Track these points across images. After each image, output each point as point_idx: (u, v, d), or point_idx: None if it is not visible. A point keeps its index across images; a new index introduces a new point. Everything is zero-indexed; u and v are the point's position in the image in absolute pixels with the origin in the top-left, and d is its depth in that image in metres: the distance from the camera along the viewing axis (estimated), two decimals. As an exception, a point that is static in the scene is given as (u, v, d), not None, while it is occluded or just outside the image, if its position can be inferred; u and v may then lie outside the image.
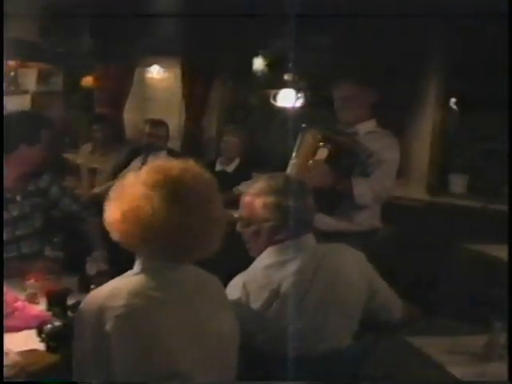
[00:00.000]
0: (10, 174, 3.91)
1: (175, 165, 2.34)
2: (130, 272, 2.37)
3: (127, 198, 2.27)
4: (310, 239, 3.06)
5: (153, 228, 2.22)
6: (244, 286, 2.93)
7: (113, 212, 2.29)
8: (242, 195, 3.15)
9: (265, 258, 3.02)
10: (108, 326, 2.16)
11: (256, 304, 2.88)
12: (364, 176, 4.40)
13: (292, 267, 2.94)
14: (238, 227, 3.11)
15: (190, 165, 2.38)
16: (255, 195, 3.03)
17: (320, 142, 4.39)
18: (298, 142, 4.54)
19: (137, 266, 2.36)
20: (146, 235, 2.25)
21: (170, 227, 2.23)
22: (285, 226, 2.98)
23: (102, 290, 2.28)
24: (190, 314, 2.31)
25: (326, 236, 3.28)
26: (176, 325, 2.25)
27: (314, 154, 4.38)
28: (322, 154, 4.35)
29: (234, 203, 3.29)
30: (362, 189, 4.36)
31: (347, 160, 4.39)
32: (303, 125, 4.66)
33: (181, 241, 2.28)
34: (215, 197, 2.40)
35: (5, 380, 2.46)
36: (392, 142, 4.58)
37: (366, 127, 4.60)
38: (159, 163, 2.38)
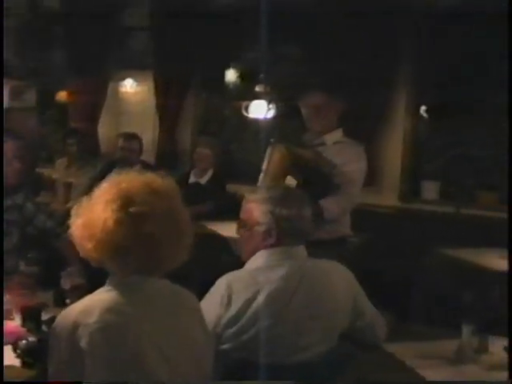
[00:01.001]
0: None
1: (131, 178, 2.35)
2: (102, 289, 2.37)
3: (87, 214, 2.29)
4: (301, 250, 3.10)
5: (114, 243, 2.24)
6: (228, 285, 2.96)
7: (76, 229, 2.32)
8: (244, 200, 3.22)
9: (255, 261, 3.07)
10: (82, 343, 2.18)
11: (237, 304, 2.91)
12: (328, 188, 4.41)
13: (279, 273, 2.98)
14: (236, 230, 3.20)
15: (149, 177, 2.38)
16: (253, 201, 3.13)
17: (287, 160, 4.39)
18: (266, 158, 4.57)
19: (108, 282, 2.37)
20: (108, 251, 2.26)
21: (131, 241, 2.24)
22: (276, 233, 3.03)
23: (75, 307, 2.29)
24: (163, 327, 2.32)
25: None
26: (149, 338, 2.26)
27: (283, 174, 4.39)
28: (291, 181, 4.35)
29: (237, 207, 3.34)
30: (329, 207, 4.38)
31: (316, 185, 4.34)
32: (271, 139, 4.67)
33: (146, 254, 2.29)
34: (178, 208, 2.40)
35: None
36: (358, 153, 4.60)
37: (333, 137, 4.62)
38: (116, 178, 2.37)
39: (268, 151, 4.57)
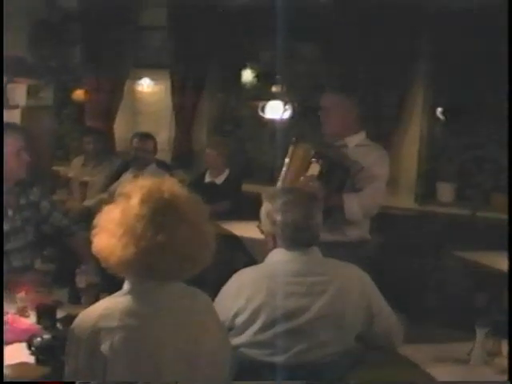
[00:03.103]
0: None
1: (153, 188, 2.34)
2: (119, 292, 2.39)
3: (111, 227, 2.28)
4: (315, 251, 3.14)
5: (140, 254, 2.23)
6: (243, 282, 3.06)
7: (99, 242, 2.32)
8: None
9: (270, 259, 3.15)
10: (104, 347, 2.21)
11: (252, 302, 2.97)
12: (354, 190, 4.38)
13: (294, 271, 3.03)
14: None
15: (168, 184, 2.38)
16: (264, 200, 3.22)
17: (312, 158, 4.34)
18: (289, 155, 4.52)
19: (126, 286, 2.38)
20: (133, 262, 2.26)
21: (155, 252, 2.24)
22: (286, 235, 3.08)
23: (95, 311, 2.31)
24: (180, 330, 2.34)
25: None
26: (168, 340, 2.29)
27: (306, 169, 4.35)
28: (314, 169, 4.30)
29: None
30: (352, 206, 4.34)
31: (338, 175, 4.35)
32: (294, 138, 4.59)
33: (167, 263, 2.28)
34: (199, 215, 2.40)
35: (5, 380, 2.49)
36: (382, 156, 4.54)
37: (355, 140, 4.56)
38: (135, 187, 2.37)
39: (290, 149, 4.51)
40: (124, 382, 2.25)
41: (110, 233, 2.28)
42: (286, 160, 4.51)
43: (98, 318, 2.25)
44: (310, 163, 4.33)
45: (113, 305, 2.31)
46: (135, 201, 2.30)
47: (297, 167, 4.43)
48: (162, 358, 2.27)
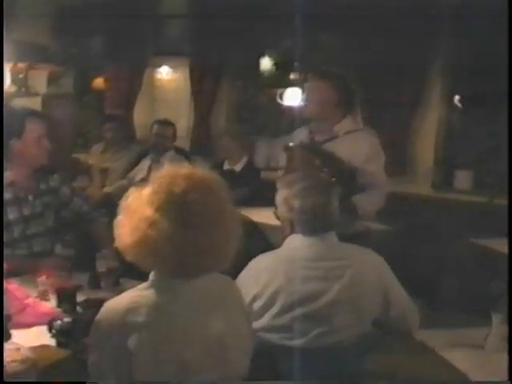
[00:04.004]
0: (19, 172, 3.96)
1: (179, 180, 2.26)
2: (144, 284, 2.36)
3: (135, 224, 2.23)
4: (332, 236, 3.17)
5: (164, 251, 2.20)
6: (262, 266, 3.11)
7: (123, 237, 2.27)
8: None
9: (288, 244, 3.19)
10: (130, 342, 2.21)
11: (270, 286, 3.03)
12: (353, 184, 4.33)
13: (311, 256, 3.07)
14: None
15: (195, 176, 2.31)
16: (281, 186, 3.25)
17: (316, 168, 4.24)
18: (285, 161, 4.47)
19: (151, 280, 2.35)
20: (157, 258, 2.24)
21: (181, 248, 2.20)
22: (304, 221, 3.12)
23: (120, 303, 2.28)
24: (208, 326, 2.32)
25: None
26: (195, 338, 2.29)
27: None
28: None
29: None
30: (364, 207, 4.33)
31: (347, 181, 4.23)
32: (290, 144, 4.52)
33: (193, 260, 2.25)
34: (226, 205, 2.33)
35: (5, 380, 2.50)
36: (373, 146, 4.43)
37: (344, 127, 4.47)
38: (161, 178, 2.30)
39: (286, 155, 4.46)
40: (151, 382, 2.26)
41: (131, 233, 2.25)
42: (283, 166, 4.48)
43: (124, 312, 2.23)
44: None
45: (139, 298, 2.28)
46: (148, 190, 2.27)
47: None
48: (188, 354, 2.26)
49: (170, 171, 2.33)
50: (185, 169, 2.34)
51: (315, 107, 4.48)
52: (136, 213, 2.24)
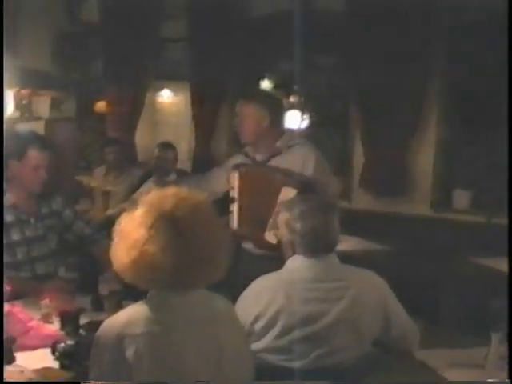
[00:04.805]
0: (19, 195, 3.99)
1: (167, 199, 2.38)
2: (140, 302, 2.43)
3: (131, 244, 2.31)
4: (333, 257, 3.18)
5: (161, 263, 2.28)
6: (263, 287, 3.11)
7: (120, 259, 2.36)
8: None
9: (289, 265, 3.18)
10: (128, 352, 2.27)
11: (271, 307, 3.02)
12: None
13: (312, 278, 3.08)
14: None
15: (182, 194, 2.43)
16: (282, 209, 3.28)
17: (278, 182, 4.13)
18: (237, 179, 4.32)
19: (150, 296, 2.42)
20: (154, 273, 2.30)
21: (176, 263, 2.28)
22: (305, 243, 3.12)
23: (119, 318, 2.37)
24: (203, 338, 2.38)
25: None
26: (191, 349, 2.34)
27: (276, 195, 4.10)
28: (288, 193, 4.03)
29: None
30: None
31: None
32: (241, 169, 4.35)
33: (189, 272, 2.33)
34: (212, 218, 2.46)
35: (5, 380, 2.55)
36: (318, 155, 4.31)
37: (285, 142, 4.34)
38: (151, 200, 2.42)
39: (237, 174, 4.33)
40: (151, 383, 2.30)
41: (127, 253, 2.33)
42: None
43: (122, 325, 2.31)
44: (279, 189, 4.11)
45: (136, 313, 2.36)
46: (140, 211, 2.37)
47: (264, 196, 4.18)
48: (185, 363, 2.32)
49: (158, 192, 2.45)
50: (171, 189, 2.45)
51: (250, 132, 4.34)
52: (131, 234, 2.34)
